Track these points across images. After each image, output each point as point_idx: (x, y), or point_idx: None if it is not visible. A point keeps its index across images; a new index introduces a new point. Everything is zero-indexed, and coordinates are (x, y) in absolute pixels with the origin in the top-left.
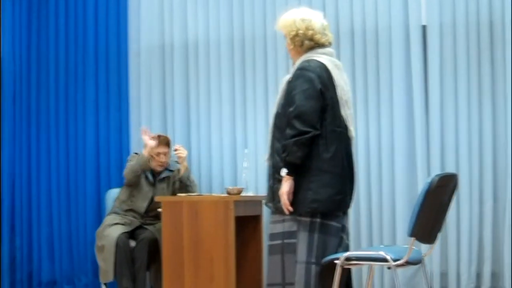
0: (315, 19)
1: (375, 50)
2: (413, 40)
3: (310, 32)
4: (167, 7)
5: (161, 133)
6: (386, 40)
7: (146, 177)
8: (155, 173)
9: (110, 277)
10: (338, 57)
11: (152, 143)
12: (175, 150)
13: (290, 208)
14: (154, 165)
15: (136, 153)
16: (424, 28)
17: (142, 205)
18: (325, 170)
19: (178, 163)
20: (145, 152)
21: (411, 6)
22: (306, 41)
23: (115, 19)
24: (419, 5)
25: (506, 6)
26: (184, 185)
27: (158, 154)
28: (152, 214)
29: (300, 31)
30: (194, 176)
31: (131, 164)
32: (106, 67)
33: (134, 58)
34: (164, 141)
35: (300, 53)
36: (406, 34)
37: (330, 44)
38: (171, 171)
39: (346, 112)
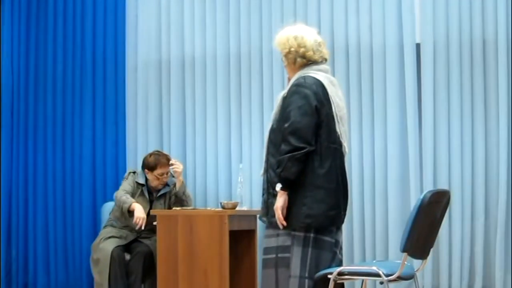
0: (308, 36)
1: (369, 66)
2: (407, 58)
3: (301, 50)
4: (165, 23)
5: (159, 150)
6: (380, 57)
7: (142, 194)
8: (152, 190)
9: None
10: (333, 73)
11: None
12: (171, 164)
13: (284, 223)
14: (156, 184)
15: (132, 172)
16: (418, 46)
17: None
18: (319, 186)
19: (174, 177)
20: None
21: (406, 24)
22: (298, 59)
23: (112, 34)
24: (413, 23)
25: (499, 25)
26: (179, 200)
27: (162, 174)
28: (147, 228)
29: (292, 49)
30: (189, 191)
31: (115, 215)
32: (104, 81)
33: (131, 73)
34: (166, 161)
35: (294, 70)
36: (400, 51)
37: (325, 60)
38: (169, 186)
39: (341, 128)
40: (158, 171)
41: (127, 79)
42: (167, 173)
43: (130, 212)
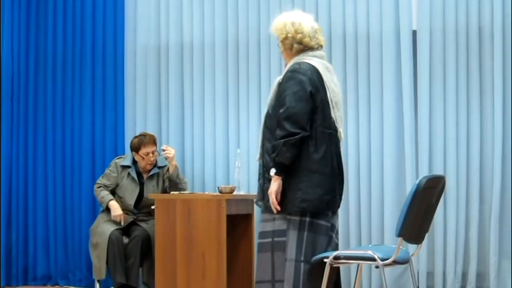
0: (305, 23)
1: (366, 53)
2: (404, 45)
3: (299, 36)
4: (163, 9)
5: (146, 132)
6: (377, 44)
7: (129, 176)
8: (142, 172)
9: (103, 275)
10: (330, 59)
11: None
12: (163, 150)
13: (278, 207)
14: (143, 165)
15: (118, 158)
16: (414, 33)
17: (130, 203)
18: (314, 171)
19: (166, 160)
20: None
21: (402, 12)
22: (295, 44)
23: (112, 20)
24: (410, 10)
25: (495, 13)
26: (174, 183)
27: (147, 154)
28: (145, 211)
29: (289, 35)
30: (183, 175)
31: (101, 198)
32: (103, 66)
33: (130, 58)
34: (150, 140)
35: (291, 56)
36: (397, 38)
37: (321, 47)
38: (160, 167)
39: (336, 114)
40: (142, 151)
41: (126, 65)
42: (152, 153)
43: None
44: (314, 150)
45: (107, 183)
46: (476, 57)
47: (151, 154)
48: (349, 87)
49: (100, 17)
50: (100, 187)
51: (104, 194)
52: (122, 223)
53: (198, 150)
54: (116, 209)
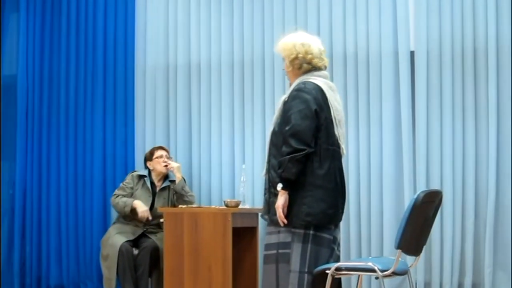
0: (314, 44)
1: (366, 73)
2: (402, 64)
3: (309, 56)
4: (172, 31)
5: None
6: (376, 63)
7: (144, 185)
8: (155, 184)
9: (113, 285)
10: (332, 79)
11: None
12: (166, 165)
13: (285, 221)
14: (160, 168)
15: (132, 172)
16: (412, 53)
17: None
18: (319, 186)
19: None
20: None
21: (400, 33)
22: (304, 64)
23: (122, 40)
24: (408, 32)
25: (489, 34)
26: (180, 195)
27: (161, 156)
28: (154, 222)
29: (300, 55)
30: (190, 188)
31: (122, 204)
32: (114, 85)
33: (140, 77)
34: (161, 148)
35: (297, 75)
36: (395, 58)
37: (325, 67)
38: (171, 181)
39: (339, 131)
40: (155, 155)
41: (136, 83)
42: (165, 156)
43: (133, 210)
44: (318, 166)
45: (123, 193)
46: (471, 76)
47: (164, 157)
48: (350, 105)
49: (111, 38)
50: (118, 196)
51: (125, 199)
52: (150, 218)
53: (205, 166)
54: (141, 206)
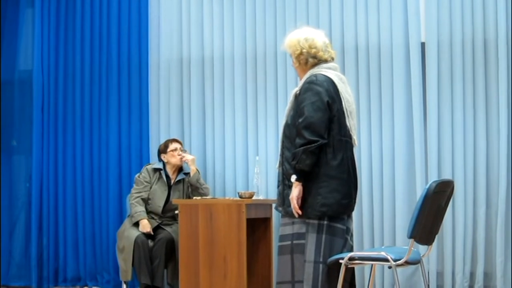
0: (317, 38)
1: (377, 65)
2: (413, 56)
3: (313, 50)
4: (185, 25)
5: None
6: (387, 55)
7: (160, 178)
8: (170, 177)
9: (129, 276)
10: (343, 71)
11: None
12: (181, 158)
13: (300, 212)
14: (175, 161)
15: (147, 165)
16: (423, 45)
17: (159, 205)
18: (333, 176)
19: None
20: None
21: (411, 25)
22: (310, 59)
23: (136, 35)
24: (419, 24)
25: (499, 25)
26: (195, 188)
27: (175, 149)
28: (169, 215)
29: (304, 50)
30: (204, 180)
31: (134, 213)
32: (128, 79)
33: (154, 71)
34: (175, 139)
35: (305, 70)
36: (406, 50)
37: (333, 59)
38: (186, 174)
39: (351, 122)
40: (170, 147)
41: (150, 77)
42: (180, 149)
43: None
44: (332, 157)
45: (142, 190)
46: (482, 67)
47: (179, 149)
48: (362, 97)
49: (125, 33)
50: (136, 198)
51: (138, 210)
52: (152, 233)
53: (219, 158)
54: (145, 227)
